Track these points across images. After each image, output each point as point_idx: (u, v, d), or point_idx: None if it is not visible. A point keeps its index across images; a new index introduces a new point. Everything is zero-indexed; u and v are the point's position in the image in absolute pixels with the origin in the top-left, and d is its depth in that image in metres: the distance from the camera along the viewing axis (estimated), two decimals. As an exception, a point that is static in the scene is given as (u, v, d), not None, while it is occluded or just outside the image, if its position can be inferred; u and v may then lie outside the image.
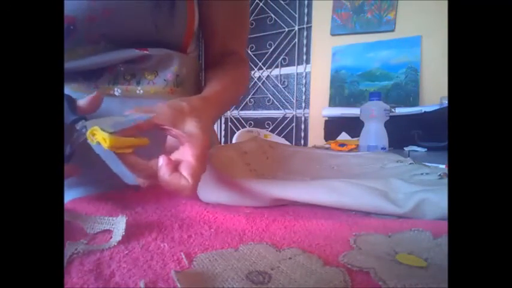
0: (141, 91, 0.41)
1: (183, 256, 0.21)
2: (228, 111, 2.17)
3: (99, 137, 0.25)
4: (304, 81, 1.89)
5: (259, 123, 2.08)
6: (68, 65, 0.37)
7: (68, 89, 0.39)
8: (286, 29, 1.92)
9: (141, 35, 0.40)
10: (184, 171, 0.26)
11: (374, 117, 0.87)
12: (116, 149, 0.25)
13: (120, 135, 0.25)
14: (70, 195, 0.34)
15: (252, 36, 2.03)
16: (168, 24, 0.41)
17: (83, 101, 0.31)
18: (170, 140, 0.31)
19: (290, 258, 0.20)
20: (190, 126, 0.29)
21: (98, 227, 0.26)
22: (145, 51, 0.40)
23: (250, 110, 2.13)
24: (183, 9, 0.42)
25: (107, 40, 0.38)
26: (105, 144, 0.24)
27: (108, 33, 0.38)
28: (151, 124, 0.28)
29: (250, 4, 2.00)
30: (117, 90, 0.40)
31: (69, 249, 0.21)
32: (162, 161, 0.26)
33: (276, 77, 2.00)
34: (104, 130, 0.25)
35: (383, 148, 0.86)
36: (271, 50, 1.98)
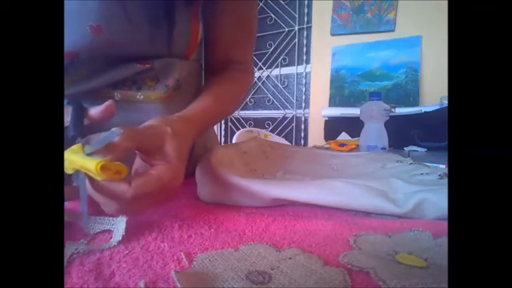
0: (141, 96, 0.41)
1: (183, 256, 0.21)
2: (228, 111, 2.16)
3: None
4: (304, 81, 1.89)
5: (259, 123, 2.08)
6: (70, 90, 0.37)
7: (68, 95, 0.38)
8: (286, 29, 1.92)
9: (143, 56, 0.40)
10: (135, 180, 0.24)
11: (374, 117, 0.87)
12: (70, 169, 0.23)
13: (100, 156, 0.23)
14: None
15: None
16: (170, 45, 0.40)
17: (95, 111, 0.30)
18: (138, 163, 0.30)
19: (290, 258, 0.20)
20: (168, 154, 0.27)
21: (98, 227, 0.26)
22: (146, 65, 0.40)
23: (250, 110, 2.13)
24: (187, 29, 0.42)
25: (109, 60, 0.38)
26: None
27: (110, 55, 0.38)
28: (135, 145, 0.26)
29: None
30: (117, 95, 0.40)
31: (69, 249, 0.21)
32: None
33: (276, 77, 2.00)
34: (80, 152, 0.23)
35: (383, 148, 0.86)
36: (271, 50, 1.98)
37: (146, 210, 0.31)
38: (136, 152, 0.28)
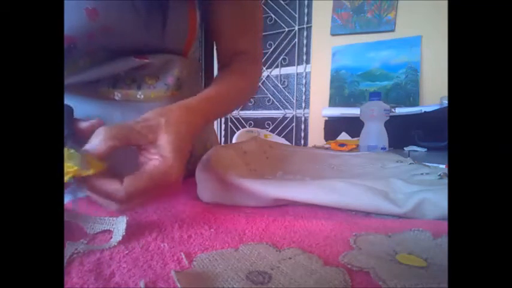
0: (142, 95, 0.41)
1: (183, 256, 0.21)
2: (228, 111, 2.17)
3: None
4: (304, 81, 1.89)
5: (259, 123, 2.08)
6: (69, 80, 0.37)
7: (68, 93, 0.38)
8: (286, 29, 1.92)
9: (140, 46, 0.40)
10: (127, 178, 0.24)
11: (374, 117, 0.87)
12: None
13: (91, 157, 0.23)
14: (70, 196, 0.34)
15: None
16: (166, 34, 0.40)
17: (84, 124, 0.29)
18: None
19: (290, 258, 0.20)
20: (162, 148, 0.26)
21: (98, 227, 0.26)
22: (145, 60, 0.40)
23: (250, 110, 2.13)
24: (184, 18, 0.42)
25: (107, 51, 0.38)
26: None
27: (108, 45, 0.38)
28: (122, 143, 0.25)
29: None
30: (117, 95, 0.40)
31: (69, 249, 0.21)
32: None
33: (276, 77, 2.00)
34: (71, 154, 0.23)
35: (383, 148, 0.86)
36: (271, 50, 1.98)
37: (146, 207, 0.31)
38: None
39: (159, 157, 0.26)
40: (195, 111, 0.33)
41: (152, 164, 0.25)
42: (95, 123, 0.29)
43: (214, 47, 0.53)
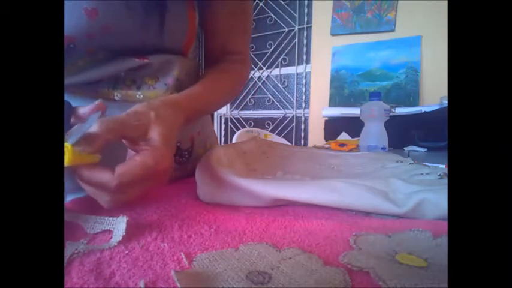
0: (141, 96, 0.41)
1: (183, 256, 0.21)
2: (228, 111, 2.17)
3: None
4: (304, 81, 1.90)
5: (259, 123, 2.08)
6: (69, 80, 0.37)
7: (68, 93, 0.38)
8: (286, 29, 1.92)
9: (140, 46, 0.40)
10: (118, 166, 0.24)
11: (374, 117, 0.87)
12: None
13: (81, 147, 0.23)
14: (70, 195, 0.34)
15: (252, 36, 2.03)
16: (165, 33, 0.40)
17: (84, 109, 0.29)
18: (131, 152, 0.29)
19: (290, 258, 0.20)
20: (153, 139, 0.27)
21: (98, 227, 0.26)
22: (145, 60, 0.40)
23: (250, 110, 2.13)
24: (184, 18, 0.42)
25: (106, 51, 0.38)
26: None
27: (107, 45, 0.38)
28: (117, 136, 0.26)
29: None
30: (117, 95, 0.40)
31: (69, 249, 0.21)
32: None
33: (276, 77, 2.00)
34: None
35: (383, 148, 0.86)
36: (271, 50, 1.99)
37: (146, 208, 0.31)
38: (123, 140, 0.28)
39: (150, 147, 0.26)
40: (179, 108, 0.34)
41: (144, 153, 0.26)
42: (97, 105, 0.29)
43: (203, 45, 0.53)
